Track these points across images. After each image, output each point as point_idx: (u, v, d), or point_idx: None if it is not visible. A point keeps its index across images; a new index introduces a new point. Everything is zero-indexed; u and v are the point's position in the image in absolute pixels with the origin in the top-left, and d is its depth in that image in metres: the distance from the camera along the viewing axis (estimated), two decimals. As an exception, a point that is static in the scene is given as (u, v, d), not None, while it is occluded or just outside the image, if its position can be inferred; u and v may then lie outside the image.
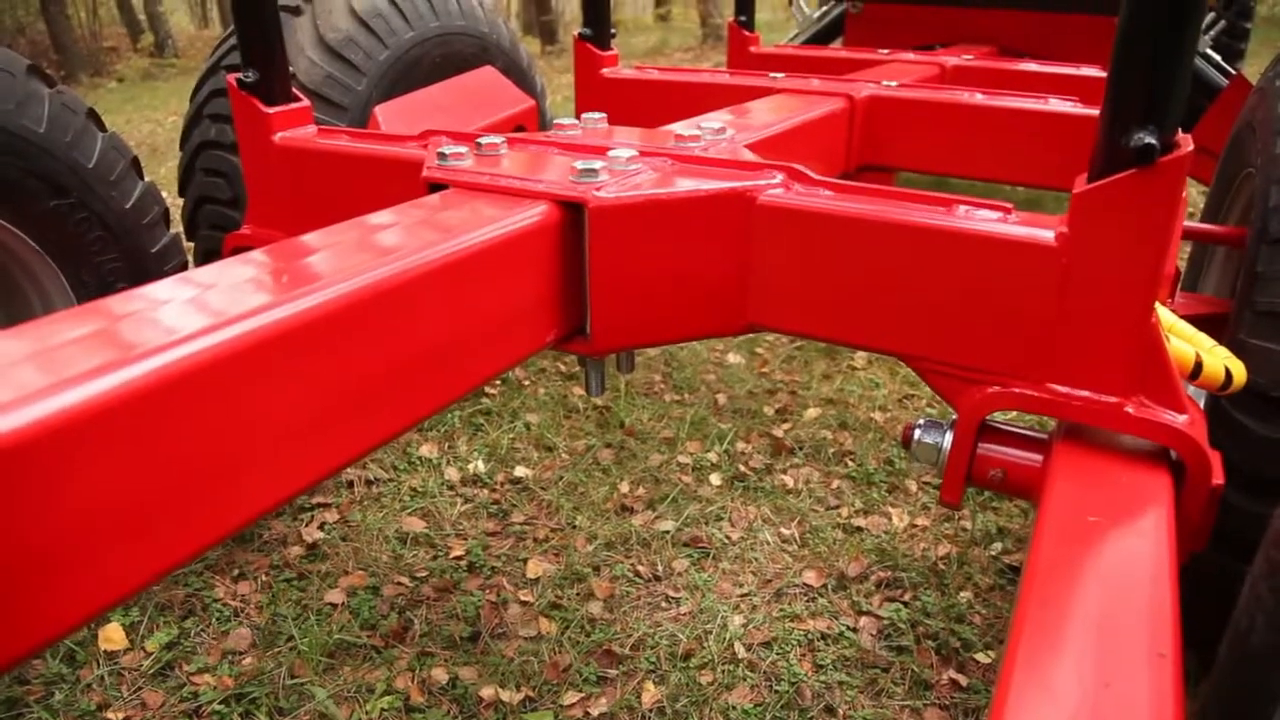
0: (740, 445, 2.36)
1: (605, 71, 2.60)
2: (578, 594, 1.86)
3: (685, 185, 1.25)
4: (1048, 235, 1.11)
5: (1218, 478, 1.12)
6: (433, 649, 1.71)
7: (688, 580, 1.89)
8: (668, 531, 2.04)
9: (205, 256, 2.28)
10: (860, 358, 2.80)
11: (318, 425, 0.95)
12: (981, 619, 1.78)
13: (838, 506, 2.12)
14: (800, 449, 2.34)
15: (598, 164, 1.22)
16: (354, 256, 1.02)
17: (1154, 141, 1.01)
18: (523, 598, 1.84)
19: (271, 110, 1.69)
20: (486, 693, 1.61)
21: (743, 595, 1.85)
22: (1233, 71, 3.10)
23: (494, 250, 1.12)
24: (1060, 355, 1.15)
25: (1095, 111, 2.08)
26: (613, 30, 2.61)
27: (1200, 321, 1.68)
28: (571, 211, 1.21)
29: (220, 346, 0.82)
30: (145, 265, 1.81)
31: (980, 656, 1.68)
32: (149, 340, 0.79)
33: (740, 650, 1.70)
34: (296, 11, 2.21)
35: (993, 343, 1.18)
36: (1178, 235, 1.26)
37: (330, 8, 2.20)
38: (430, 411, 1.11)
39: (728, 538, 2.02)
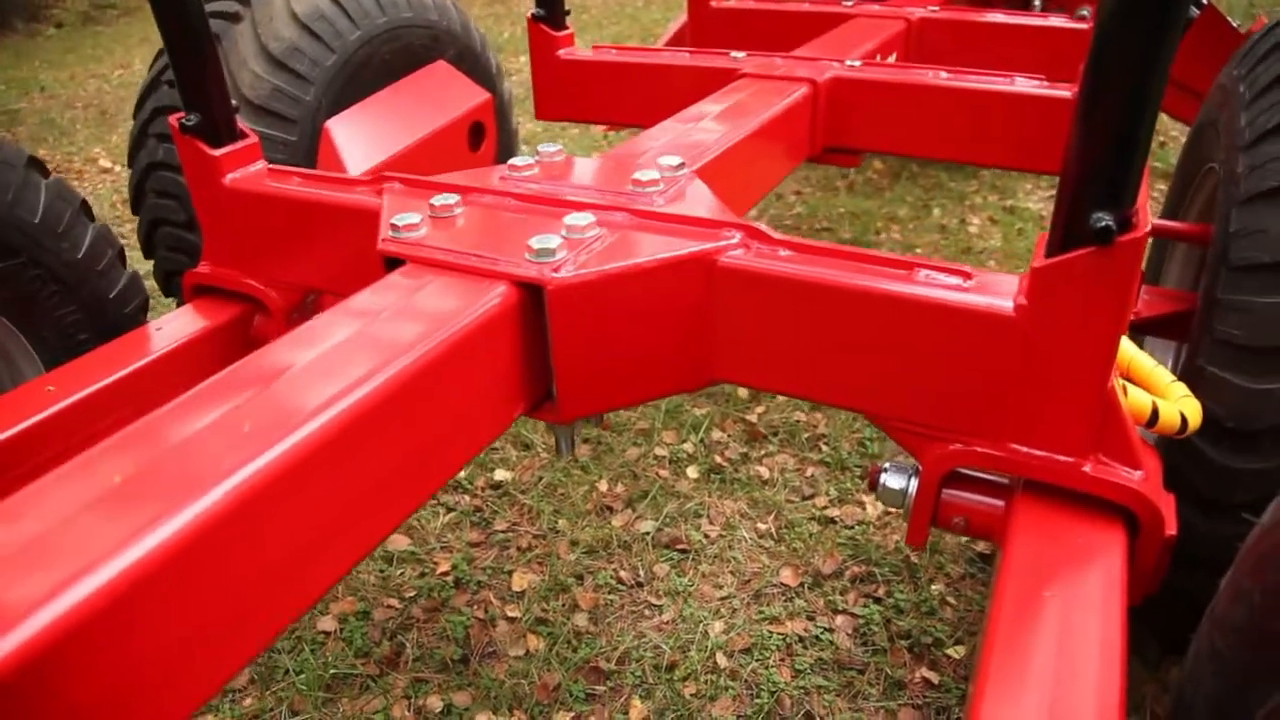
0: (716, 434, 2.39)
1: (561, 53, 2.52)
2: (563, 605, 1.91)
3: (644, 252, 1.24)
4: (1006, 305, 1.12)
5: (1170, 529, 1.16)
6: (426, 674, 1.77)
7: (669, 585, 1.95)
8: (648, 533, 2.08)
9: (165, 278, 2.23)
10: (832, 329, 2.82)
11: (317, 547, 0.99)
12: (953, 611, 1.85)
13: (813, 496, 2.17)
14: (775, 435, 2.37)
15: (554, 240, 1.21)
16: (332, 376, 1.02)
17: (1112, 224, 1.01)
18: (509, 613, 1.90)
19: (218, 152, 1.65)
20: (481, 719, 1.67)
21: (722, 599, 1.91)
22: (1204, 1, 3.04)
23: (463, 342, 1.13)
24: (1020, 417, 1.17)
25: (1060, 93, 2.07)
26: (567, 9, 2.52)
27: (1164, 321, 1.71)
28: (531, 290, 1.20)
29: (219, 504, 0.85)
30: (105, 311, 1.79)
31: (951, 652, 1.76)
32: (160, 504, 0.81)
33: (721, 660, 1.77)
34: (235, 18, 2.11)
35: (953, 404, 1.20)
36: (1135, 298, 1.26)
37: (270, 14, 2.11)
38: (415, 507, 1.14)
39: (706, 536, 2.07)
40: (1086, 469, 1.16)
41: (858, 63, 2.25)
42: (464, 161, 2.29)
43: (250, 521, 0.87)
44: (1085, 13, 3.07)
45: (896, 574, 1.94)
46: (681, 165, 1.50)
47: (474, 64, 2.56)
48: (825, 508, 2.13)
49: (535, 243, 1.20)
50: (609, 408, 1.34)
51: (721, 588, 1.94)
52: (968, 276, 1.17)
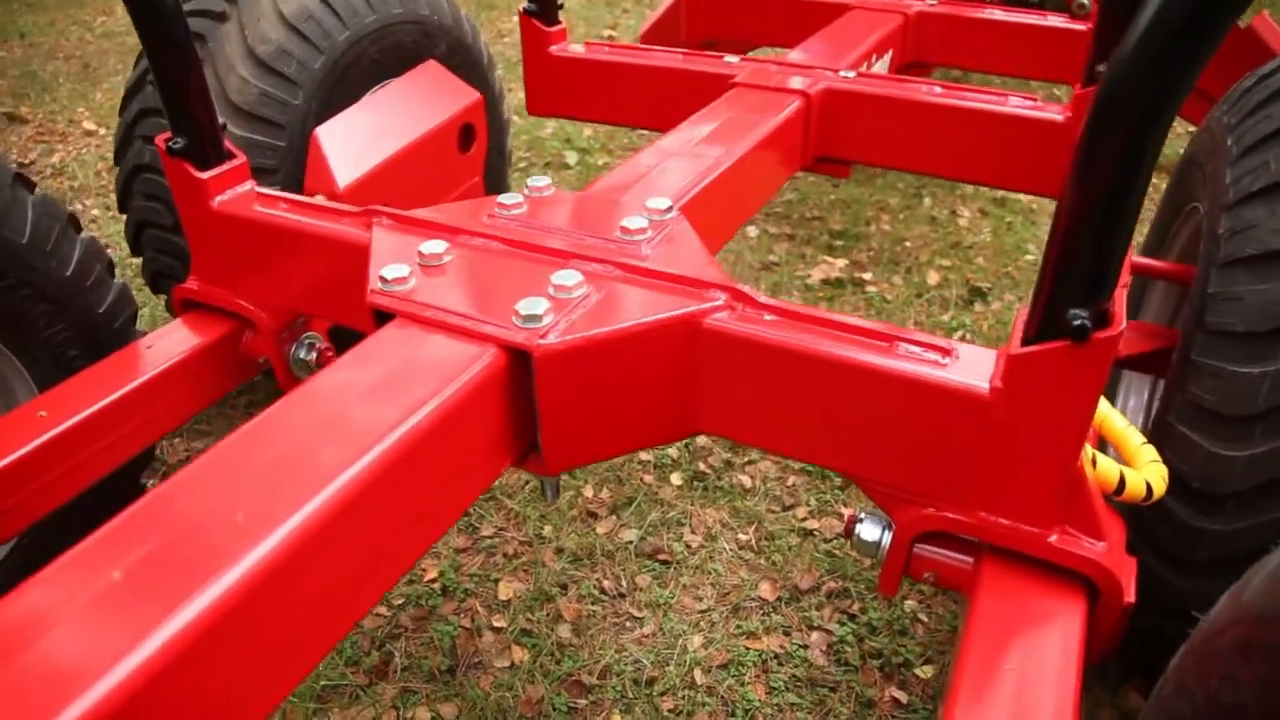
0: (700, 439, 2.43)
1: (554, 49, 2.50)
2: (547, 616, 1.97)
3: (630, 314, 1.26)
4: (982, 386, 1.15)
5: (1128, 597, 1.21)
6: (414, 684, 1.83)
7: (650, 597, 2.00)
8: (631, 541, 2.13)
9: (154, 277, 2.24)
10: (819, 329, 2.84)
11: (321, 616, 1.04)
12: (924, 630, 1.91)
13: (793, 506, 2.22)
14: (758, 441, 2.41)
15: (540, 305, 1.22)
16: (332, 449, 1.05)
17: (1088, 322, 1.04)
18: (495, 623, 1.95)
19: (206, 175, 1.65)
20: (465, 731, 1.74)
21: (702, 612, 1.97)
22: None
23: (455, 408, 1.16)
24: (990, 488, 1.21)
25: (1051, 115, 2.07)
26: (560, 3, 2.48)
27: (1145, 359, 1.74)
28: (519, 352, 1.22)
29: (228, 591, 0.89)
30: (95, 326, 1.80)
31: (920, 672, 1.83)
32: (167, 598, 0.86)
33: (699, 676, 1.83)
34: (222, 18, 2.08)
35: (927, 472, 1.24)
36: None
37: (258, 15, 2.07)
38: (411, 565, 1.19)
39: (688, 546, 2.12)
40: (1052, 539, 1.20)
41: (851, 74, 2.24)
42: (454, 164, 2.29)
43: (253, 608, 0.91)
44: (1085, 1, 3.04)
45: (871, 590, 2.00)
46: (669, 209, 1.50)
47: (465, 56, 2.52)
48: (805, 519, 2.18)
49: (522, 307, 1.22)
50: (594, 460, 1.37)
51: (701, 600, 2.00)
52: (945, 353, 1.19)
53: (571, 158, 4.01)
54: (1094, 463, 1.24)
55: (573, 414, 1.27)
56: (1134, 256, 1.82)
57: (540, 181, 1.59)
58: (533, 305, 1.22)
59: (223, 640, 0.88)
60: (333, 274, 1.60)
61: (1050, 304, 1.07)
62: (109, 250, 3.34)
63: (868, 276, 3.09)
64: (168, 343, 1.73)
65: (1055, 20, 2.79)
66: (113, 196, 3.66)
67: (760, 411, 1.31)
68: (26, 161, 4.10)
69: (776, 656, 1.87)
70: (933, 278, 3.09)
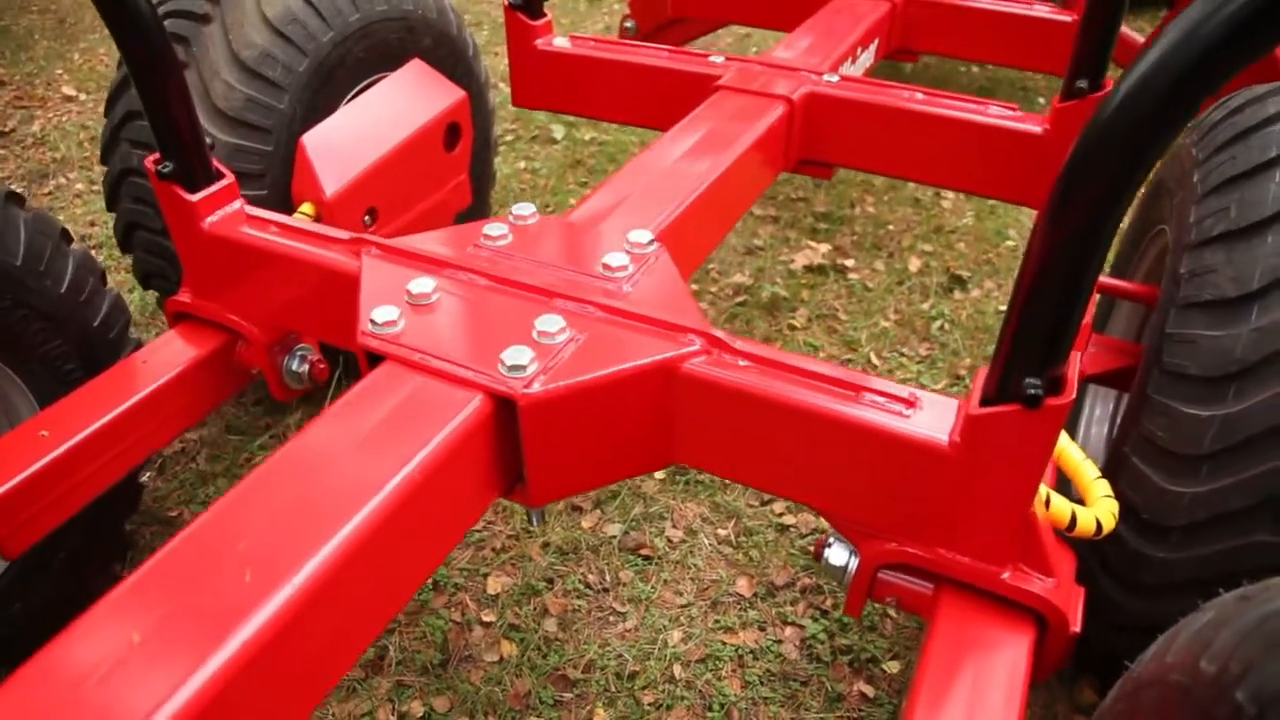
0: (683, 432, 2.50)
1: (539, 43, 2.50)
2: (534, 610, 2.06)
3: (611, 360, 1.32)
4: (941, 439, 1.22)
5: (1074, 628, 1.30)
6: (408, 678, 1.93)
7: (632, 592, 2.10)
8: (614, 536, 2.22)
9: (145, 277, 2.27)
10: (799, 319, 2.90)
11: (323, 660, 1.10)
12: (892, 625, 2.02)
13: (771, 502, 2.30)
14: (739, 435, 2.49)
15: (525, 355, 1.28)
16: (330, 505, 1.11)
17: (1042, 391, 1.10)
18: (485, 618, 2.04)
19: (195, 197, 1.68)
20: (457, 725, 1.84)
21: (682, 607, 2.07)
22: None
23: (445, 454, 1.22)
24: (948, 528, 1.29)
25: (1029, 127, 2.10)
26: (545, -5, 2.47)
27: (1110, 376, 1.81)
28: (505, 400, 1.28)
29: (244, 647, 0.96)
30: (90, 338, 1.84)
31: (887, 667, 1.93)
32: (186, 658, 0.93)
33: (678, 670, 1.93)
34: (205, 19, 2.07)
35: (889, 512, 1.32)
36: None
37: (241, 18, 2.07)
38: (406, 602, 1.26)
39: (669, 541, 2.21)
40: (1005, 576, 1.29)
41: (835, 77, 2.26)
42: (440, 164, 2.30)
43: (264, 662, 0.98)
44: None
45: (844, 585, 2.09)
46: (650, 241, 1.55)
47: (451, 48, 2.52)
48: (782, 514, 2.27)
49: (508, 357, 1.27)
50: (577, 491, 1.44)
51: (681, 595, 2.09)
52: (908, 404, 1.26)
53: (559, 131, 4.00)
54: (1047, 503, 1.31)
55: (556, 453, 1.34)
56: (1102, 277, 1.87)
57: (525, 210, 1.63)
58: (517, 355, 1.27)
59: (238, 692, 0.95)
60: (321, 298, 1.64)
61: (1008, 368, 1.13)
62: (96, 228, 3.36)
63: (850, 263, 3.14)
64: (163, 356, 1.78)
65: (1041, 10, 2.79)
66: (97, 169, 3.65)
67: (733, 449, 1.38)
68: (6, 130, 4.06)
69: (752, 651, 1.97)
70: (914, 264, 3.14)
